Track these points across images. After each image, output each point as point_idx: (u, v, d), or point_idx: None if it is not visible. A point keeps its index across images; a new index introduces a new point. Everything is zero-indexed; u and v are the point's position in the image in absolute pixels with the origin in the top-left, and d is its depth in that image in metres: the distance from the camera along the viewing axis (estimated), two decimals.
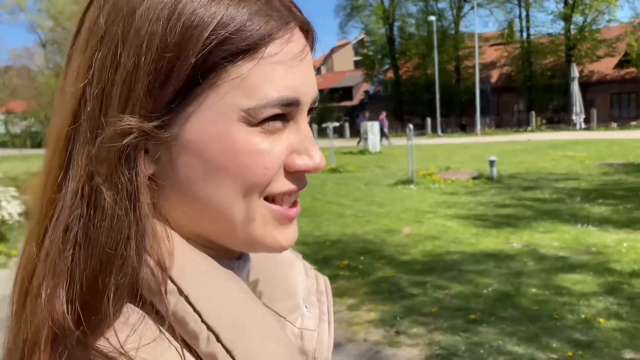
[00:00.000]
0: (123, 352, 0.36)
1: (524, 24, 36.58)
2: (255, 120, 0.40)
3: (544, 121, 28.91)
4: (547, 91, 35.84)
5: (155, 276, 0.38)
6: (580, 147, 14.22)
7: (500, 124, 35.62)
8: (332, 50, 69.33)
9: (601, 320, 3.20)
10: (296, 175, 0.43)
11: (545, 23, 35.90)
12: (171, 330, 0.38)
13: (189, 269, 0.40)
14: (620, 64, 34.63)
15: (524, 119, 35.59)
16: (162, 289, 0.38)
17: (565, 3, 33.92)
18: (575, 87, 30.33)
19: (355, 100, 53.78)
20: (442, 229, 5.78)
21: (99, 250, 0.37)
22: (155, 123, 0.38)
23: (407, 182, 9.20)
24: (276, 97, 0.40)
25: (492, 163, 9.01)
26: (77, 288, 0.36)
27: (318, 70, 66.18)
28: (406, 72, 43.44)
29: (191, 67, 0.38)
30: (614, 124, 29.76)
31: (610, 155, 12.13)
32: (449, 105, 40.05)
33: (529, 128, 27.91)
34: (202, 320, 0.38)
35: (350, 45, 66.58)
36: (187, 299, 0.39)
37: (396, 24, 42.51)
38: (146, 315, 0.38)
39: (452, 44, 39.18)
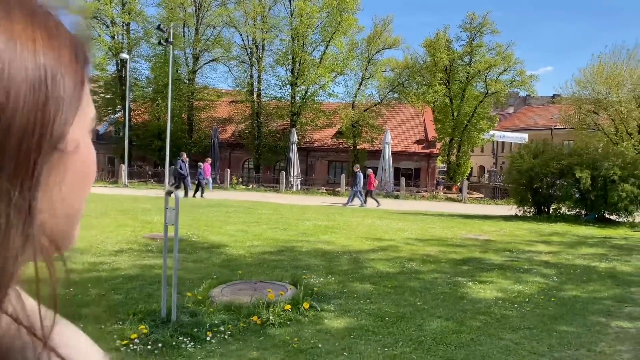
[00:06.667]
0: None
1: (255, 84, 37.11)
2: (92, 126, 0.43)
3: (240, 180, 28.45)
4: (272, 152, 36.60)
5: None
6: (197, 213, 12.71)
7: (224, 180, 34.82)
8: None
9: None
10: None
11: (275, 87, 36.63)
12: None
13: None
14: (336, 135, 37.56)
15: (252, 176, 35.73)
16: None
17: (292, 72, 35.52)
18: (293, 151, 31.24)
19: None
20: None
21: None
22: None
23: None
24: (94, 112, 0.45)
25: None
26: None
27: None
28: (139, 115, 40.40)
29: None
30: (323, 189, 31.22)
31: (204, 225, 10.64)
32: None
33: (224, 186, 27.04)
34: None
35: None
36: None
37: (132, 64, 39.47)
38: None
39: (187, 94, 37.72)
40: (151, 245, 7.81)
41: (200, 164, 21.44)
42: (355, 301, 5.48)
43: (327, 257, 7.56)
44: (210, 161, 23.29)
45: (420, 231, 11.20)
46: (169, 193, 4.33)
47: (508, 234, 11.48)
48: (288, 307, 4.82)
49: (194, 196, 19.38)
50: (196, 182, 20.11)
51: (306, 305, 4.95)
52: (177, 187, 19.28)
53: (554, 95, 44.53)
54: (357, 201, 19.28)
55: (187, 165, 19.74)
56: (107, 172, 33.04)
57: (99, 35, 37.39)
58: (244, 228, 10.11)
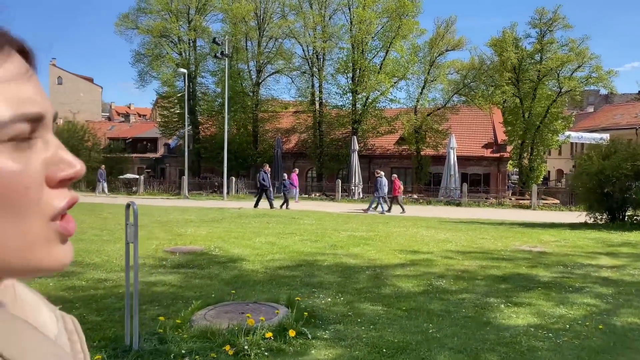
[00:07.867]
0: None
1: (317, 93, 37.03)
2: (7, 134, 0.38)
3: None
4: (335, 160, 36.31)
5: None
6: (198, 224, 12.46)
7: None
8: (157, 101, 65.88)
9: None
10: (63, 188, 0.41)
11: (336, 96, 36.39)
12: None
13: None
14: (399, 141, 36.63)
15: (314, 185, 35.64)
16: None
17: (353, 79, 35.13)
18: (354, 159, 30.77)
19: (160, 153, 50.51)
20: None
21: None
22: None
23: None
24: (17, 113, 0.38)
25: None
26: None
27: (127, 118, 61.66)
28: (207, 128, 41.72)
29: None
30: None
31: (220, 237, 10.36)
32: (247, 166, 38.88)
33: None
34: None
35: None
36: None
37: (199, 79, 41.06)
38: None
39: (251, 106, 38.38)
40: (167, 260, 7.60)
41: (284, 175, 21.50)
42: (357, 327, 4.86)
43: (346, 273, 6.94)
44: (297, 171, 23.29)
45: (467, 242, 10.25)
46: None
47: (569, 245, 10.24)
48: (269, 334, 4.30)
49: (280, 207, 19.30)
50: (282, 194, 20.35)
51: (292, 332, 4.40)
52: (260, 198, 19.42)
53: (639, 91, 40.78)
54: (380, 207, 18.96)
55: (269, 176, 19.79)
56: (177, 185, 34.15)
57: (167, 52, 39.08)
58: (274, 240, 9.72)
